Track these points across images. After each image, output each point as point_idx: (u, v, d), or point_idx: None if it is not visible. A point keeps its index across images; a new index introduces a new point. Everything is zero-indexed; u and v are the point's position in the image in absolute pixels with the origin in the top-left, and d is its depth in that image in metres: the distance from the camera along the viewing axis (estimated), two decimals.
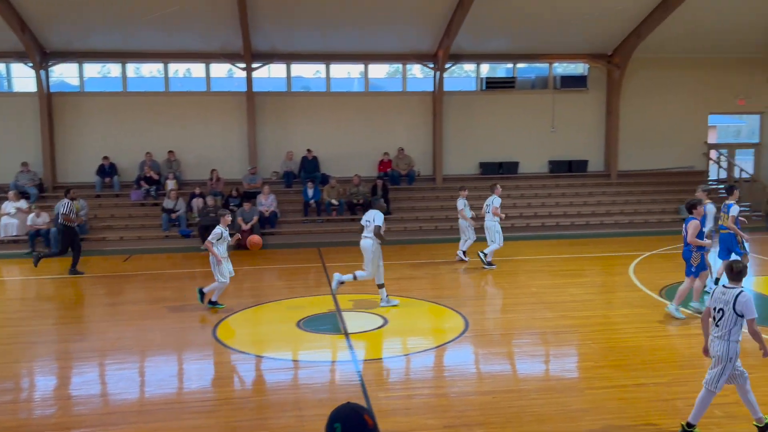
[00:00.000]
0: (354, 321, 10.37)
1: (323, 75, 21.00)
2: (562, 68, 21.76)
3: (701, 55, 21.27)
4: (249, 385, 8.09)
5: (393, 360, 8.80)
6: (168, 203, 17.98)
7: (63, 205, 14.05)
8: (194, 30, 18.39)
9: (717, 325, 6.17)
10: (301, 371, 8.49)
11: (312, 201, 18.78)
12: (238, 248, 16.91)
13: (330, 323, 10.34)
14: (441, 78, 19.97)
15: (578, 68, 21.62)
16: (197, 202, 17.97)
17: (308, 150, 19.87)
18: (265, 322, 10.71)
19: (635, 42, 19.54)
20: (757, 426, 6.40)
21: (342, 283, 11.03)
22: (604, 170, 21.32)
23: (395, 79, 22.87)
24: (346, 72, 23.49)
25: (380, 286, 11.04)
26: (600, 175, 21.24)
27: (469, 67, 22.38)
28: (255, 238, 11.55)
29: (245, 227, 16.99)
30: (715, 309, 6.21)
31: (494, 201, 14.19)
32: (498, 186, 14.41)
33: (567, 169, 21.10)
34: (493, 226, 14.20)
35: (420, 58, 20.25)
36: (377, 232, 10.74)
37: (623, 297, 11.80)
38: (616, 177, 20.98)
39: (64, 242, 14.11)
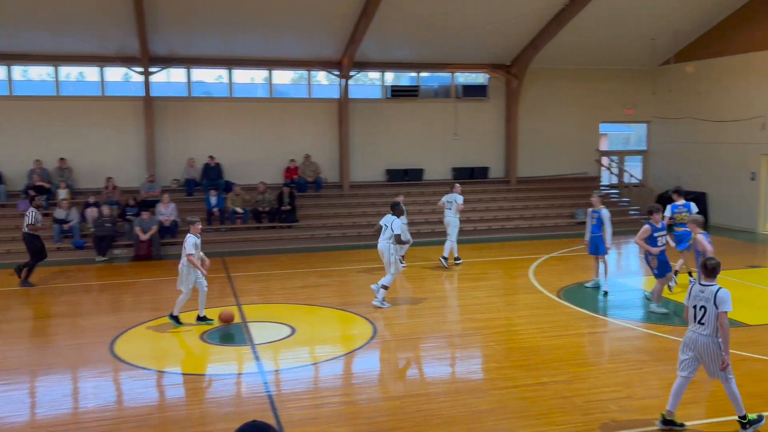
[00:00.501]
0: (260, 331, 10.18)
1: (226, 80, 20.57)
2: (464, 78, 22.34)
3: (593, 67, 22.42)
4: (150, 402, 7.75)
5: (301, 369, 8.69)
6: (59, 213, 17.02)
7: (28, 215, 13.79)
8: (87, 32, 17.53)
9: (702, 323, 6.44)
10: (204, 385, 8.22)
11: (215, 209, 18.31)
12: (136, 258, 16.26)
13: (235, 335, 10.10)
14: (346, 85, 20.02)
15: (479, 78, 22.26)
16: (92, 212, 17.10)
17: (210, 157, 19.38)
18: (166, 336, 10.32)
19: (532, 53, 20.35)
20: (739, 421, 6.57)
21: (383, 301, 11.46)
22: (504, 176, 22.03)
23: (300, 85, 22.73)
24: (249, 77, 23.11)
25: (384, 287, 11.50)
26: (500, 181, 21.92)
27: (374, 75, 22.56)
28: (226, 316, 10.25)
29: (143, 237, 16.34)
30: (696, 307, 6.49)
31: (457, 199, 15.14)
32: (457, 185, 15.62)
33: (469, 175, 21.64)
34: (454, 222, 15.01)
35: (325, 65, 20.23)
36: (397, 240, 11.42)
37: (524, 299, 12.21)
38: (515, 183, 21.72)
39: (33, 250, 13.76)
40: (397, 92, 21.10)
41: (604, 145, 26.33)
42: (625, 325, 10.48)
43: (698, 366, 6.59)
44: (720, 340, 6.36)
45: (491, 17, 18.32)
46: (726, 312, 6.32)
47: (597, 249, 12.35)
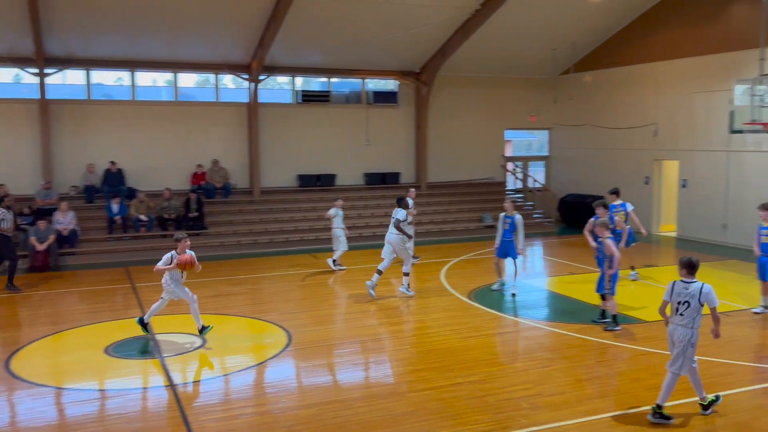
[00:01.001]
0: (170, 343, 9.81)
1: (127, 83, 19.77)
2: (375, 84, 22.50)
3: (498, 75, 23.14)
4: (51, 422, 7.30)
5: (213, 381, 8.44)
6: None
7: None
8: None
9: (682, 315, 6.88)
10: (110, 401, 7.83)
11: (117, 217, 17.53)
12: (32, 270, 15.33)
13: (143, 347, 9.69)
14: (256, 89, 19.71)
15: (389, 84, 22.48)
16: None
17: (112, 162, 18.56)
18: (67, 351, 9.77)
19: (440, 61, 20.76)
20: (701, 404, 7.12)
21: (408, 288, 12.53)
22: (415, 182, 22.33)
23: (207, 88, 22.17)
24: (152, 80, 22.34)
25: (405, 274, 12.55)
26: (412, 186, 22.15)
27: (283, 79, 22.34)
28: (185, 258, 9.77)
29: (40, 247, 15.43)
30: (679, 302, 6.90)
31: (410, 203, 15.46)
32: (411, 189, 16.25)
33: (381, 181, 21.80)
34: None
35: (233, 68, 19.83)
36: (397, 225, 12.13)
37: (437, 302, 12.38)
38: (426, 188, 22.06)
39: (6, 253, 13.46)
40: (308, 97, 20.98)
41: (509, 151, 27.17)
42: (533, 324, 10.82)
43: None
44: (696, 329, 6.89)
45: (400, 25, 18.56)
46: (716, 307, 6.93)
47: (506, 252, 12.68)
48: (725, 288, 13.02)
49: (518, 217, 12.56)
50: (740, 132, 14.67)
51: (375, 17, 18.13)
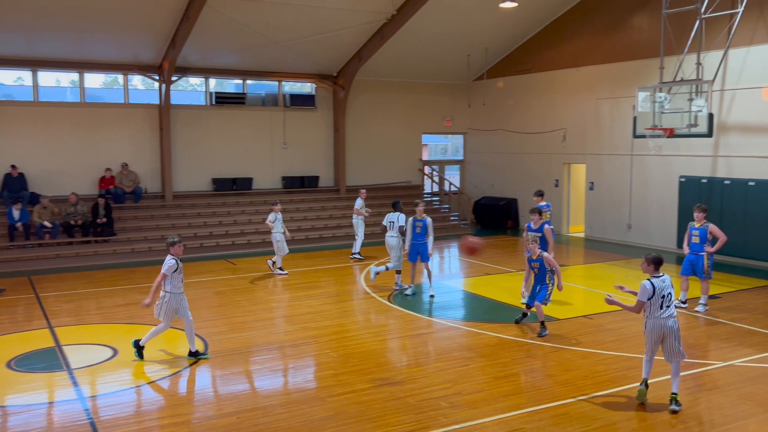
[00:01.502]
0: (78, 355, 9.37)
1: (28, 83, 18.75)
2: (291, 87, 22.31)
3: (415, 80, 23.46)
4: None
5: (125, 393, 8.11)
6: None
7: None
8: None
9: (668, 306, 7.37)
10: (13, 417, 7.39)
11: (19, 224, 16.59)
12: None
13: (49, 360, 9.20)
14: (167, 91, 19.13)
15: (306, 87, 22.35)
16: None
17: (12, 166, 17.55)
18: None
19: (357, 65, 20.83)
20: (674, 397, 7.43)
21: (378, 273, 13.32)
22: (334, 185, 22.29)
23: (115, 89, 21.35)
24: (55, 80, 21.29)
25: (398, 272, 13.35)
26: (331, 189, 22.15)
27: (196, 80, 21.80)
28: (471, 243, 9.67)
29: None
30: (663, 296, 7.36)
31: (357, 202, 16.98)
32: (362, 190, 17.35)
33: (300, 184, 21.63)
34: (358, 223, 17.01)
35: (143, 69, 19.19)
36: (401, 231, 13.23)
37: (356, 305, 12.40)
38: (345, 192, 22.06)
39: None
40: (222, 99, 20.54)
41: (425, 155, 27.57)
42: (451, 325, 11.00)
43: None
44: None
45: (316, 29, 18.50)
46: None
47: (418, 256, 12.77)
48: (631, 285, 13.65)
49: (429, 220, 12.71)
50: (643, 137, 15.46)
51: (291, 20, 17.98)
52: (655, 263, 7.46)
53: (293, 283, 14.26)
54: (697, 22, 14.88)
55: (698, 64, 14.71)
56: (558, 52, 20.81)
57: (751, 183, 15.49)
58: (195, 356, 9.21)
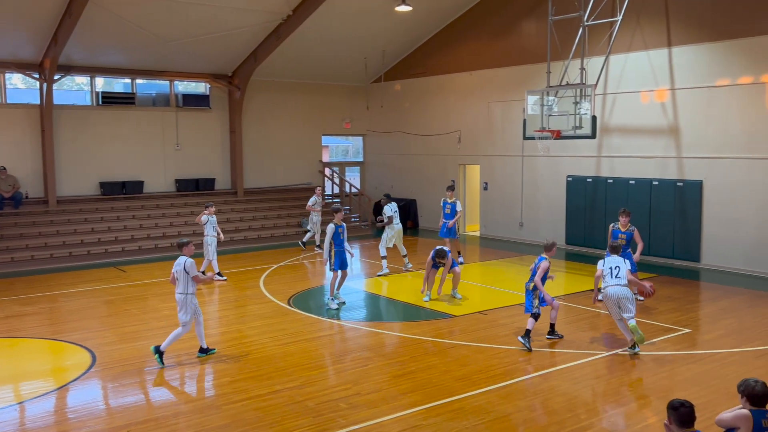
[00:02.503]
0: None
1: None
2: (184, 87, 21.63)
3: (313, 81, 23.35)
4: None
5: (5, 411, 7.57)
6: None
7: None
8: None
9: (618, 276, 9.24)
10: None
11: None
12: None
13: None
14: (50, 90, 18.04)
15: (200, 87, 21.74)
16: None
17: None
18: None
19: (253, 65, 20.47)
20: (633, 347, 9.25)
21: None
22: (231, 188, 21.81)
23: None
24: None
25: (384, 257, 15.12)
26: (228, 192, 21.65)
27: (82, 79, 20.71)
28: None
29: None
30: (611, 267, 9.30)
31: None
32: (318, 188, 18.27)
33: (195, 187, 21.00)
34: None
35: (22, 66, 18.00)
36: (390, 220, 15.14)
37: (255, 309, 12.17)
38: (242, 194, 21.62)
39: None
40: (110, 99, 19.59)
41: (326, 157, 27.50)
42: (351, 326, 11.02)
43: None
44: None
45: (210, 27, 18.03)
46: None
47: (345, 264, 12.42)
48: (521, 281, 14.21)
49: (344, 225, 12.68)
50: (532, 138, 16.09)
51: (182, 18, 17.43)
52: (612, 249, 9.77)
53: None
54: (581, 29, 15.67)
55: (582, 69, 15.49)
56: (452, 56, 21.33)
57: (631, 182, 16.48)
58: (206, 353, 9.40)
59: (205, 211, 14.69)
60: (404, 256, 15.74)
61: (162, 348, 9.07)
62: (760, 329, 10.45)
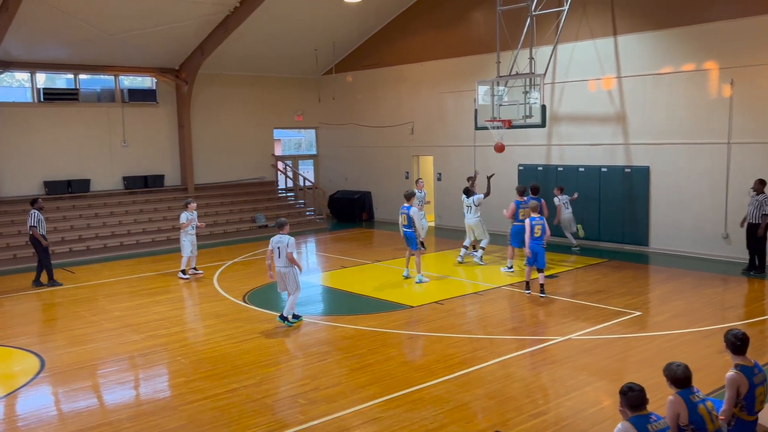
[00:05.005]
0: None
1: None
2: (130, 81, 21.08)
3: (263, 74, 23.03)
4: None
5: None
6: None
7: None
8: None
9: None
10: None
11: None
12: None
13: None
14: None
15: (146, 82, 21.22)
16: None
17: None
18: None
19: (200, 59, 20.06)
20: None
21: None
22: (181, 184, 21.40)
23: None
24: None
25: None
26: (178, 189, 21.23)
27: (22, 75, 19.99)
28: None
29: None
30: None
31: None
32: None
33: (143, 184, 20.52)
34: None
35: None
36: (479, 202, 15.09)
37: (209, 308, 11.97)
38: (193, 190, 21.23)
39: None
40: (52, 95, 18.96)
41: (278, 150, 27.23)
42: (308, 320, 10.94)
43: None
44: None
45: (154, 20, 17.59)
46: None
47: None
48: (477, 270, 14.36)
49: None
50: (484, 128, 16.23)
51: (125, 11, 16.92)
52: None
53: (139, 290, 13.51)
54: (529, 19, 15.84)
55: (531, 58, 15.67)
56: (403, 47, 21.32)
57: (581, 169, 16.77)
58: (297, 318, 10.67)
59: (186, 210, 14.30)
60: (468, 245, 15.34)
61: (285, 313, 10.38)
62: (707, 310, 10.79)
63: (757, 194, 12.82)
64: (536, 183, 14.92)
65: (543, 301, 11.61)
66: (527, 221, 11.82)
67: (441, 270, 14.66)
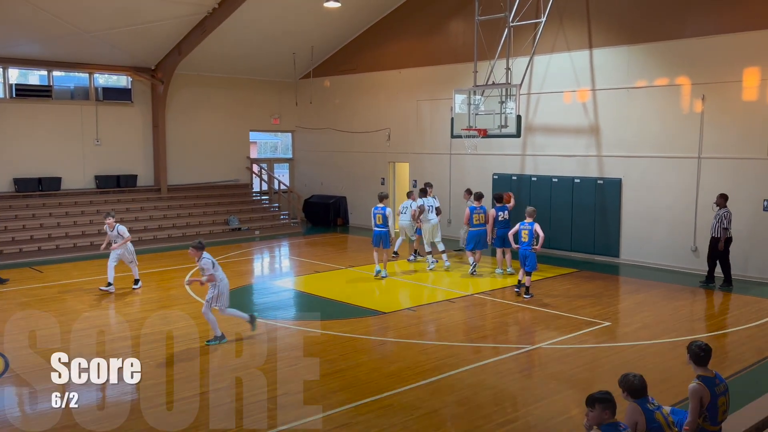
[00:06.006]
0: None
1: None
2: (105, 80, 20.82)
3: (241, 77, 22.90)
4: None
5: None
6: None
7: None
8: None
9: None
10: None
11: None
12: None
13: None
14: None
15: (121, 81, 20.97)
16: None
17: None
18: None
19: (177, 59, 19.89)
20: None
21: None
22: (154, 184, 21.16)
23: None
24: None
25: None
26: (150, 189, 20.98)
27: None
28: None
29: None
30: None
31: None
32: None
33: (116, 184, 20.25)
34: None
35: None
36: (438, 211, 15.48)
37: (179, 310, 11.84)
38: (166, 191, 21.01)
39: None
40: (24, 92, 18.65)
41: (254, 153, 27.06)
42: (280, 325, 10.89)
43: None
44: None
45: (131, 19, 17.40)
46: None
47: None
48: (449, 277, 14.41)
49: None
50: (459, 137, 16.32)
51: (101, 9, 16.71)
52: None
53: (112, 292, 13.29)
54: (506, 30, 15.99)
55: (507, 69, 15.82)
56: (381, 54, 21.37)
57: (554, 179, 16.95)
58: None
59: (107, 221, 13.04)
60: (428, 253, 15.39)
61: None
62: (675, 321, 10.96)
63: (720, 208, 13.11)
64: (481, 191, 14.91)
65: (514, 309, 11.69)
66: (518, 225, 12.40)
67: (414, 277, 14.68)
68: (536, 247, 12.06)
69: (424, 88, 20.11)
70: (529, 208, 12.64)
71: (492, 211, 14.21)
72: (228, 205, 21.56)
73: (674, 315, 11.37)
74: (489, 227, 14.09)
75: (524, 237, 12.12)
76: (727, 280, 13.29)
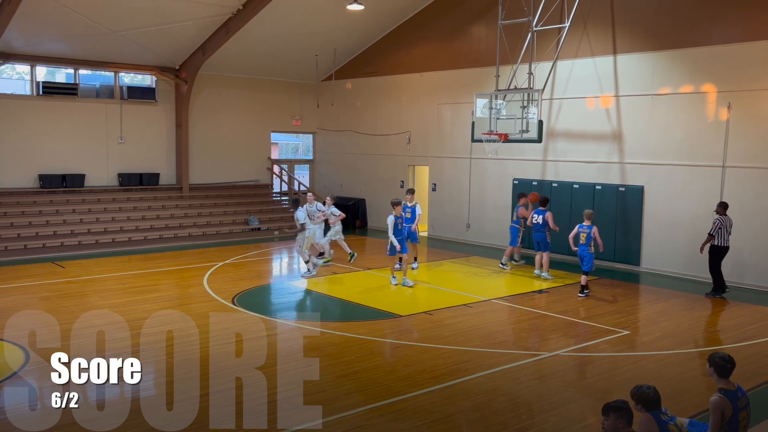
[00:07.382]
0: None
1: None
2: (129, 79, 21.06)
3: (263, 77, 23.05)
4: None
5: None
6: None
7: None
8: None
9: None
10: None
11: None
12: None
13: None
14: None
15: (146, 80, 21.21)
16: None
17: None
18: None
19: (201, 59, 20.08)
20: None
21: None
22: (176, 183, 21.35)
23: None
24: None
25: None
26: (172, 188, 21.18)
27: (22, 68, 19.94)
28: None
29: None
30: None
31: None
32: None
33: (138, 182, 20.48)
34: None
35: None
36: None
37: (198, 308, 11.93)
38: (188, 190, 21.20)
39: None
40: (51, 89, 18.93)
41: (275, 154, 27.22)
42: (295, 325, 10.91)
43: None
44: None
45: (157, 19, 17.60)
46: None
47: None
48: (467, 281, 14.35)
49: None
50: (480, 141, 16.27)
51: (128, 8, 16.94)
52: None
53: (129, 287, 13.46)
54: (530, 35, 15.92)
55: (530, 73, 15.74)
56: (403, 57, 21.37)
57: (575, 186, 16.81)
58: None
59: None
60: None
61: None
62: (695, 332, 10.81)
63: (717, 215, 13.01)
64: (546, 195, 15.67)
65: (533, 315, 11.61)
66: (576, 227, 13.18)
67: (432, 280, 14.65)
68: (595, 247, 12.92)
69: (446, 92, 20.07)
70: (587, 211, 13.24)
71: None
72: (248, 205, 21.69)
73: (695, 325, 11.22)
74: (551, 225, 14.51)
75: (582, 239, 12.87)
76: (716, 288, 13.12)
